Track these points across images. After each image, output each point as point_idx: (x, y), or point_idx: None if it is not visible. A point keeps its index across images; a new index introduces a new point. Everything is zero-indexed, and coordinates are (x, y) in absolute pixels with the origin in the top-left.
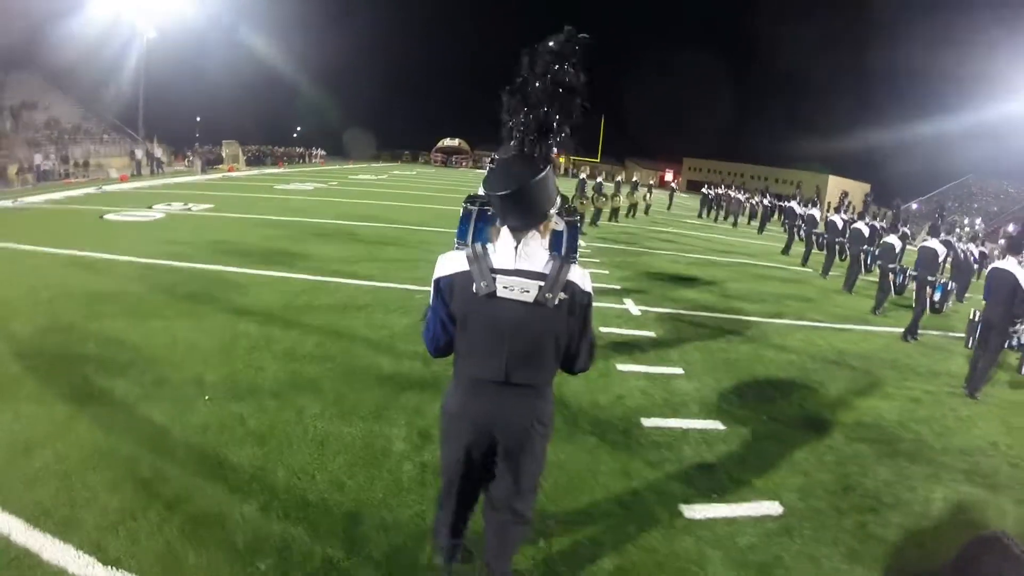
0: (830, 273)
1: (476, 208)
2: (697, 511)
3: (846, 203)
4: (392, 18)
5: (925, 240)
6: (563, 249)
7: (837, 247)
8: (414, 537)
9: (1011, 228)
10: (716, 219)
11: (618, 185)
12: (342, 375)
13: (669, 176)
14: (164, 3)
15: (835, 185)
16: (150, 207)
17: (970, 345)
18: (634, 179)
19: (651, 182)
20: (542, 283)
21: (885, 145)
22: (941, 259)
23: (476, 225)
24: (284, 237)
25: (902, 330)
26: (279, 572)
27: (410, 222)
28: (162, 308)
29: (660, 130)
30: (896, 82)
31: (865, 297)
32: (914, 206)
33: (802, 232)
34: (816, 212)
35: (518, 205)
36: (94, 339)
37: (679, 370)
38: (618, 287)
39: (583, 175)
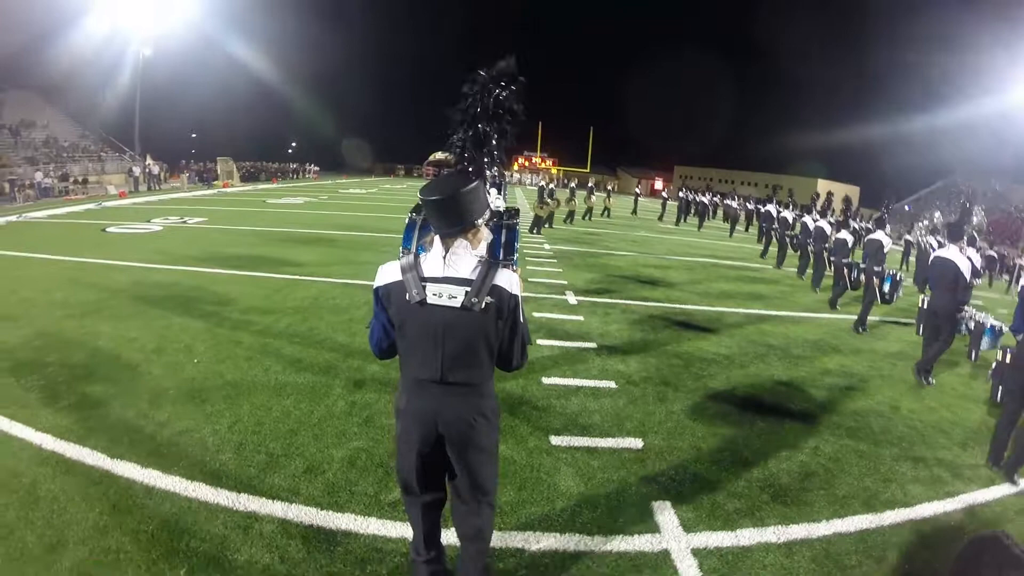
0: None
1: (420, 217)
2: (564, 441)
3: (830, 207)
4: (384, 34)
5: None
6: (500, 252)
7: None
8: (335, 445)
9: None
10: (679, 222)
11: (572, 191)
12: (303, 345)
13: (659, 184)
14: (159, 22)
15: (825, 189)
16: (149, 221)
17: (921, 332)
18: (589, 185)
19: (609, 187)
20: (468, 288)
21: (873, 145)
22: (887, 250)
23: (420, 233)
24: (270, 245)
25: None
26: (239, 462)
27: (387, 230)
28: (160, 300)
29: (652, 139)
30: (884, 82)
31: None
32: (907, 208)
33: (777, 235)
34: (789, 215)
35: (447, 212)
36: (107, 323)
37: (592, 344)
38: (564, 282)
39: (541, 183)
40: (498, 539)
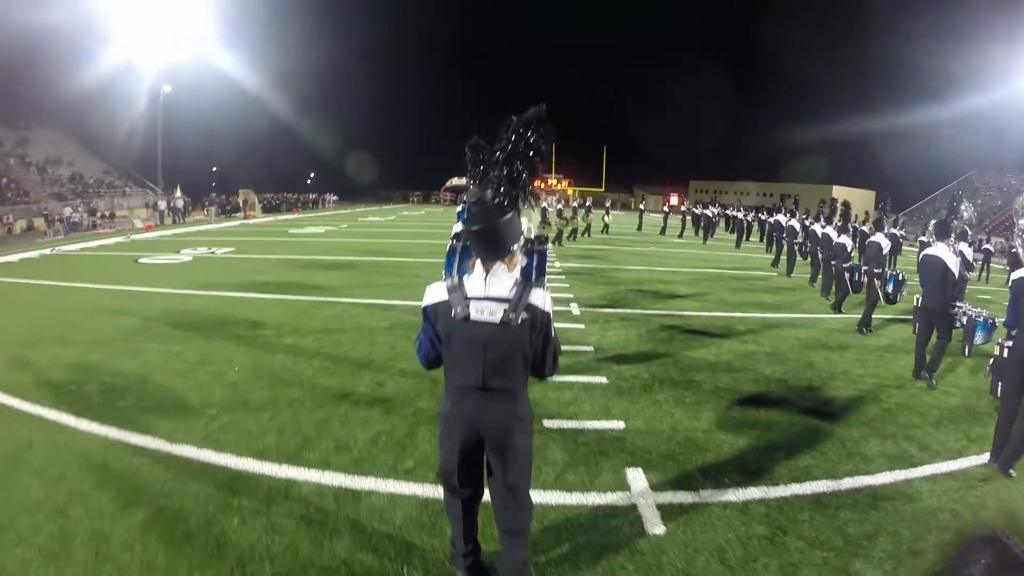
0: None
1: (460, 244)
2: (555, 424)
3: (835, 213)
4: (399, 65)
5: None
6: (533, 274)
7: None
8: (360, 429)
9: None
10: (682, 235)
11: (575, 210)
12: (330, 355)
13: (674, 200)
14: (176, 58)
15: (839, 194)
16: (178, 252)
17: (916, 331)
18: (587, 203)
19: (607, 204)
20: (507, 306)
21: (885, 147)
22: (886, 251)
23: (460, 259)
24: (295, 271)
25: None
26: (279, 443)
27: (407, 255)
28: (197, 322)
29: (666, 156)
30: (896, 79)
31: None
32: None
33: (786, 244)
34: (797, 223)
35: (488, 240)
36: (151, 342)
37: (590, 348)
38: (570, 295)
39: (544, 204)
40: None
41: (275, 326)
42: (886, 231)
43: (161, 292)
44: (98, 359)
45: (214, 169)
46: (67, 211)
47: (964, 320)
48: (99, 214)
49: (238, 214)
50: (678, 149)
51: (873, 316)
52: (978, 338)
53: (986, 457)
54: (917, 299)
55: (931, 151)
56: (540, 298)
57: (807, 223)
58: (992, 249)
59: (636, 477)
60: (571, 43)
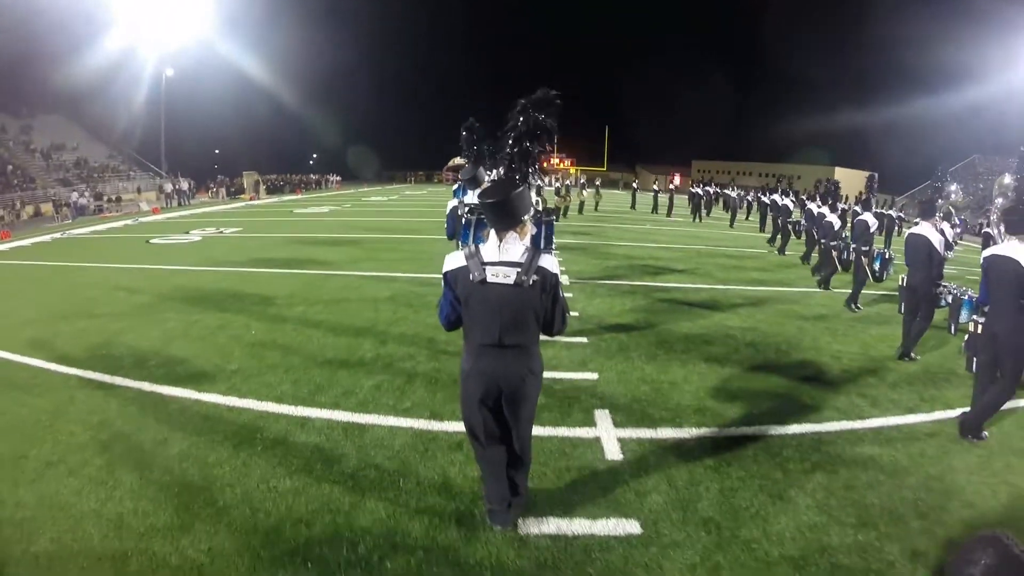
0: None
1: (474, 217)
2: None
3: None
4: (399, 47)
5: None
6: (542, 243)
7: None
8: (365, 378)
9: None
10: (670, 213)
11: (568, 188)
12: (337, 321)
13: (677, 179)
14: (178, 43)
15: (841, 176)
16: (187, 232)
17: (901, 311)
18: (581, 181)
19: (597, 183)
20: (519, 269)
21: (888, 129)
22: (873, 230)
23: (475, 230)
24: (301, 248)
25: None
26: (295, 390)
27: (409, 232)
28: (212, 294)
29: (669, 135)
30: (896, 61)
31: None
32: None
33: (780, 222)
34: (791, 202)
35: (501, 212)
36: (170, 312)
37: (576, 313)
38: (563, 268)
39: (541, 183)
40: None
41: (285, 297)
42: (873, 210)
43: (175, 269)
44: (122, 328)
45: (217, 152)
46: (74, 196)
47: (949, 299)
48: (106, 198)
49: (243, 195)
50: (682, 129)
51: (862, 294)
52: (963, 316)
53: (936, 415)
54: (902, 278)
55: (936, 135)
56: (549, 262)
57: (804, 202)
58: (992, 233)
59: (602, 417)
60: (575, 22)
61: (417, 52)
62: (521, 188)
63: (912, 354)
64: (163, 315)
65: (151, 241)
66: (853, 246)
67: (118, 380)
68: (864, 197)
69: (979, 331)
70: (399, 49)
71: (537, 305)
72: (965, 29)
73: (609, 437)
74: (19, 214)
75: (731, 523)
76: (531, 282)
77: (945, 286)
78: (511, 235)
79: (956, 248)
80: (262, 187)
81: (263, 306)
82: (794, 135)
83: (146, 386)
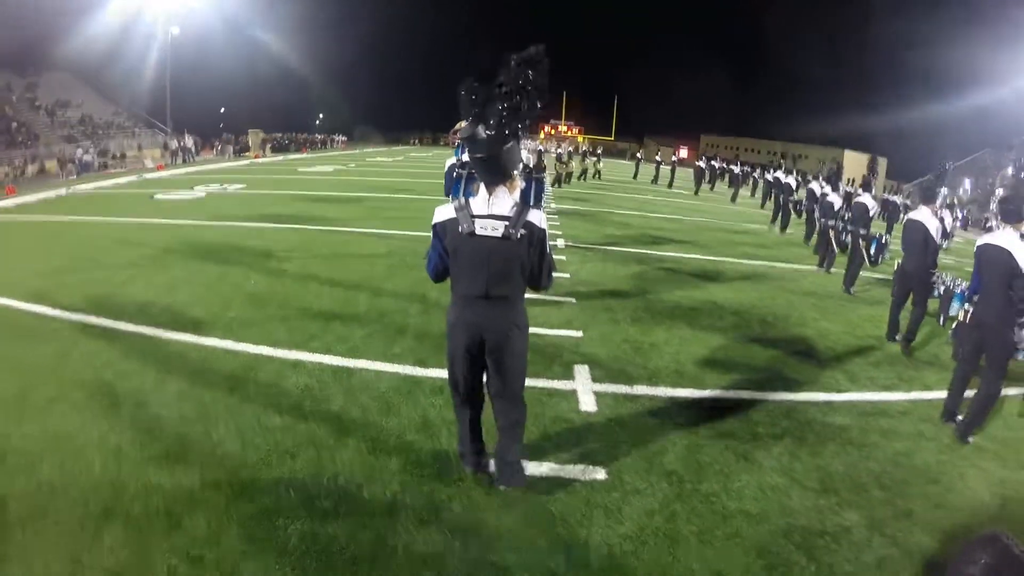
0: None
1: (466, 172)
2: None
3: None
4: (406, 8)
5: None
6: (530, 199)
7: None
8: (358, 328)
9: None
10: (671, 185)
11: (570, 155)
12: (335, 273)
13: (684, 153)
14: (185, 1)
15: (850, 160)
16: (192, 188)
17: (895, 293)
18: (584, 150)
19: (599, 151)
20: (507, 223)
21: (902, 121)
22: (872, 213)
23: (466, 184)
24: (304, 204)
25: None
26: (290, 335)
27: (411, 192)
28: (215, 246)
29: (678, 108)
30: (911, 55)
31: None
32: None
33: (781, 200)
34: (792, 180)
35: (491, 167)
36: (176, 263)
37: (567, 275)
38: (559, 232)
39: (542, 148)
40: None
41: (286, 250)
42: (875, 194)
43: (179, 223)
44: (126, 278)
45: (222, 110)
46: (79, 152)
47: (942, 289)
48: (110, 155)
49: (248, 153)
50: (691, 103)
51: (860, 276)
52: (954, 308)
53: (913, 395)
54: (897, 263)
55: (951, 130)
56: (537, 217)
57: (808, 181)
58: (993, 224)
59: (581, 371)
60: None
61: (428, 16)
62: (511, 143)
63: (908, 347)
64: (166, 266)
65: (155, 197)
66: (851, 228)
67: (120, 325)
68: (864, 179)
69: (969, 321)
70: (409, 11)
71: (524, 258)
72: (973, 32)
73: (585, 390)
74: (24, 170)
75: (693, 477)
76: (519, 236)
77: (939, 276)
78: (500, 189)
79: (955, 240)
80: (267, 145)
81: (264, 259)
82: (805, 117)
83: (148, 330)
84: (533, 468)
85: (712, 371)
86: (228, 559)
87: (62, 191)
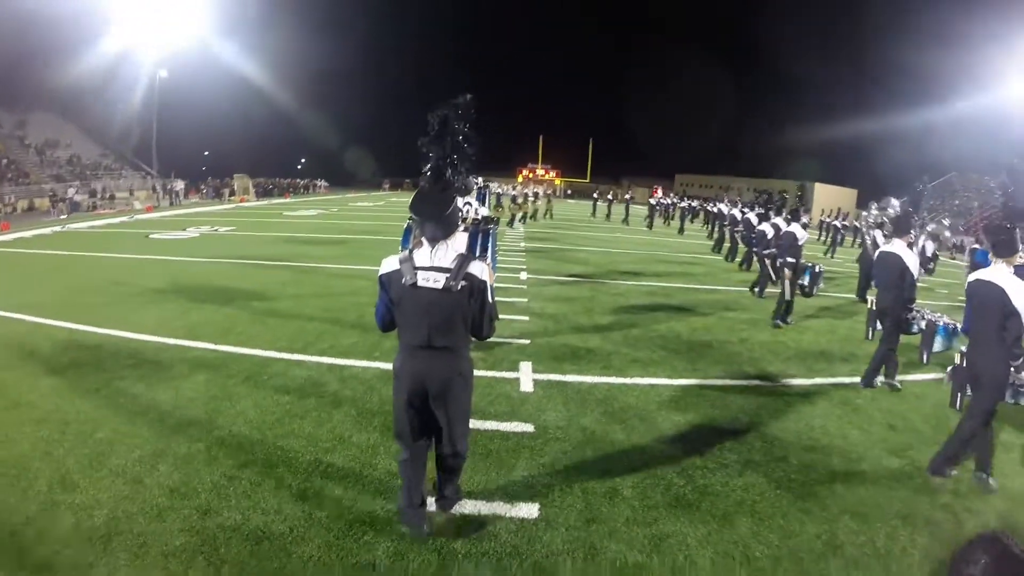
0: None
1: (415, 224)
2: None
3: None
4: (389, 54)
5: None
6: (476, 249)
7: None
8: (345, 339)
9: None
10: (627, 221)
11: (525, 197)
12: (324, 301)
13: (660, 192)
14: (171, 44)
15: (822, 192)
16: (184, 229)
17: (870, 336)
18: (536, 191)
19: (549, 192)
20: (448, 275)
21: (868, 146)
22: (802, 242)
23: (410, 235)
24: (292, 246)
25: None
26: (290, 346)
27: (391, 234)
28: (216, 280)
29: (653, 149)
30: (880, 81)
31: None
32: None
33: (726, 231)
34: (736, 212)
35: (434, 229)
36: (184, 291)
37: (525, 299)
38: (524, 266)
39: (499, 190)
40: None
41: (279, 283)
42: (804, 222)
43: (178, 260)
44: (139, 304)
45: (206, 153)
46: (71, 191)
47: (923, 324)
48: (99, 195)
49: (233, 197)
50: (665, 143)
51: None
52: (937, 344)
53: (816, 380)
54: (871, 301)
55: (918, 154)
56: (478, 269)
57: (743, 213)
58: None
59: (525, 366)
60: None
61: (411, 62)
62: (454, 205)
63: (888, 382)
64: (177, 293)
65: (151, 236)
66: (780, 260)
67: (143, 337)
68: (793, 208)
69: (964, 363)
70: (393, 59)
71: (465, 309)
72: (946, 53)
73: (527, 378)
74: (14, 207)
75: (604, 430)
76: (459, 287)
77: (918, 311)
78: (443, 243)
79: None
80: (252, 189)
81: (261, 290)
82: (776, 149)
83: (170, 341)
84: (476, 424)
85: (636, 363)
86: (255, 478)
87: (57, 228)
